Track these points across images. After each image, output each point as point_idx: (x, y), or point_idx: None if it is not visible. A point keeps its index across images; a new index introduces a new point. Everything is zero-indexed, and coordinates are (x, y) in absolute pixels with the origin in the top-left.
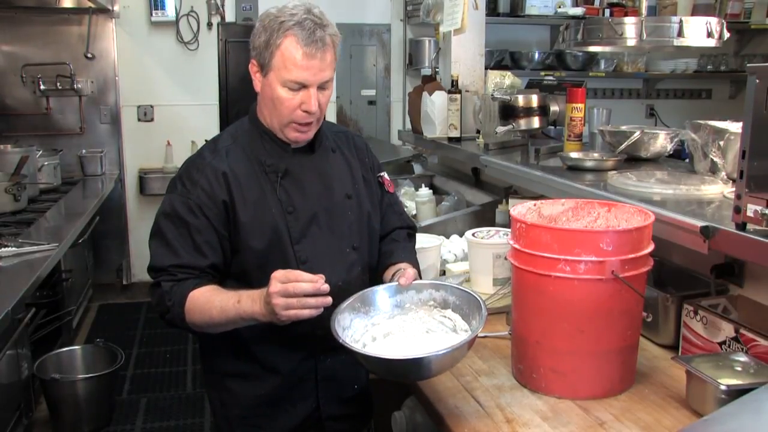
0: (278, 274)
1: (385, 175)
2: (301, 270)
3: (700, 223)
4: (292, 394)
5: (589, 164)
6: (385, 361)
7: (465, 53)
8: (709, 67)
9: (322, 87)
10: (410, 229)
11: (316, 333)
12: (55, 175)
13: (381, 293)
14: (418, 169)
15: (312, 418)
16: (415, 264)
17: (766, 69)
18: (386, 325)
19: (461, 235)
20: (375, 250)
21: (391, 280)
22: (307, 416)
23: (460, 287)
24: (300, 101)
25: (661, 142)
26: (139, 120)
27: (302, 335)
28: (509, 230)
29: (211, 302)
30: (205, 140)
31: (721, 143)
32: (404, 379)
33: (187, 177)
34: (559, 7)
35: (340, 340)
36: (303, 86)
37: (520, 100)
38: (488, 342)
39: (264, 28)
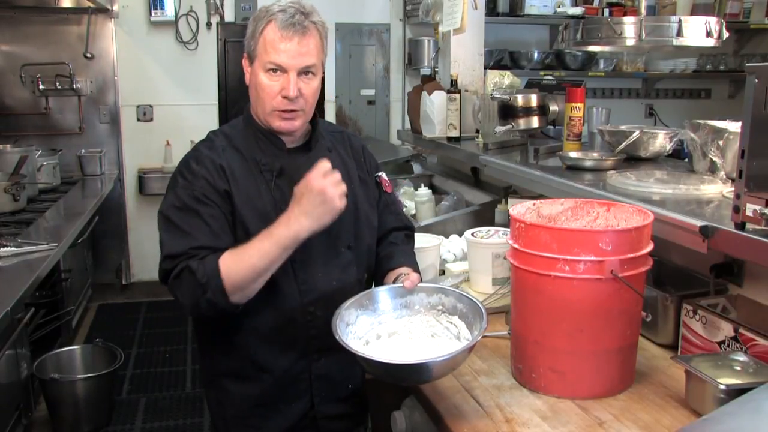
0: (312, 176)
1: (384, 175)
2: (295, 269)
3: (699, 223)
4: (286, 394)
5: (588, 164)
6: (384, 365)
7: (464, 53)
8: (708, 66)
9: (305, 74)
10: (408, 229)
11: (309, 332)
12: (55, 175)
13: (390, 293)
14: (417, 168)
15: (307, 417)
16: (416, 268)
17: (765, 69)
18: (392, 325)
19: (460, 234)
20: (372, 251)
21: (394, 283)
22: (303, 416)
23: (467, 295)
24: (280, 87)
25: (661, 141)
26: (138, 120)
27: (295, 335)
28: (508, 230)
29: (246, 252)
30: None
31: (721, 143)
32: (402, 382)
33: (188, 169)
34: (559, 6)
35: (339, 339)
36: (283, 71)
37: (520, 100)
38: (488, 342)
39: (253, 19)
